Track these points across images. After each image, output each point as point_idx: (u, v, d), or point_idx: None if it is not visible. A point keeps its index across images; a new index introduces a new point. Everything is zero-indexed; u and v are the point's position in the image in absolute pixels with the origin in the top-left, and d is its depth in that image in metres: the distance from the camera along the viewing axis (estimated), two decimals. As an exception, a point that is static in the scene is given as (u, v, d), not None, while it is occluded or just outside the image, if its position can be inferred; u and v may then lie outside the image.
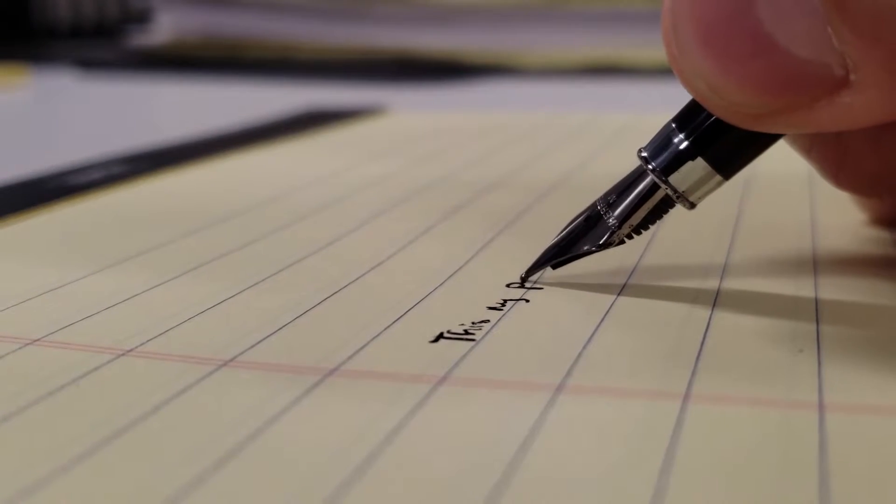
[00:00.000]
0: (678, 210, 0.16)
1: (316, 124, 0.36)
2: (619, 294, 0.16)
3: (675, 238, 0.20)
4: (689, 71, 0.14)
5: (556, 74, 0.56)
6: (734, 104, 0.14)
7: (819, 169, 0.18)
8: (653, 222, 0.16)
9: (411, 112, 0.40)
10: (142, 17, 0.75)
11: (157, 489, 0.10)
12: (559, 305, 0.16)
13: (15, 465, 0.11)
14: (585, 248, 0.16)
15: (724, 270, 0.17)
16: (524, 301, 0.16)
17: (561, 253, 0.17)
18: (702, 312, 0.15)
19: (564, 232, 0.17)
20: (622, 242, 0.16)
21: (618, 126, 0.35)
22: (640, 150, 0.16)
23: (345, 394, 0.13)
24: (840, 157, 0.17)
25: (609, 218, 0.16)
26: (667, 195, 0.16)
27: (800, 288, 0.16)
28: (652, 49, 0.57)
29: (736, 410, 0.12)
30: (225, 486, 0.10)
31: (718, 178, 0.15)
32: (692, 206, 0.16)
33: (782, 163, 0.20)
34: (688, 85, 0.14)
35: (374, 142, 0.33)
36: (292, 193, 0.24)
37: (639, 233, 0.16)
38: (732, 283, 0.17)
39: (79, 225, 0.22)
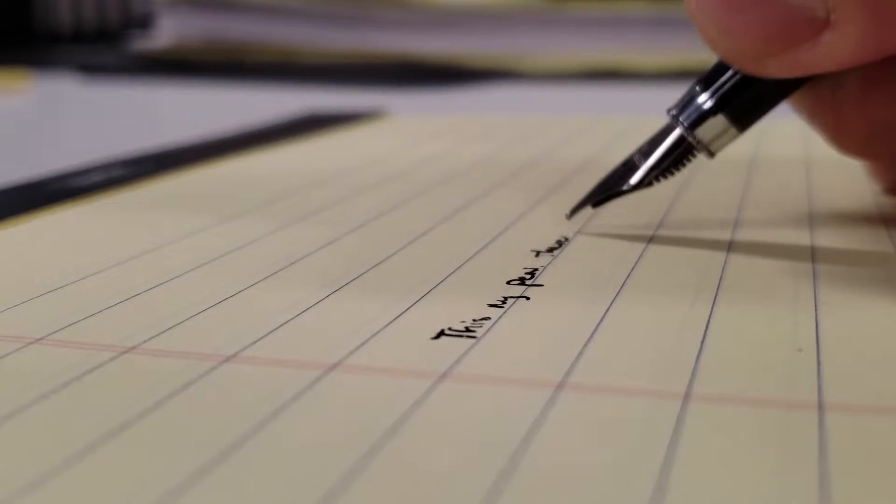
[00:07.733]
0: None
1: (316, 128, 0.36)
2: (619, 293, 0.16)
3: (675, 236, 0.20)
4: (703, 20, 0.17)
5: (557, 79, 0.56)
6: (738, 48, 0.17)
7: (821, 134, 0.20)
8: (678, 169, 0.19)
9: (412, 116, 0.40)
10: (143, 22, 0.75)
11: (160, 483, 0.10)
12: (560, 303, 0.16)
13: (19, 461, 0.11)
14: (622, 188, 0.19)
15: (724, 269, 0.17)
16: (525, 298, 0.16)
17: (602, 192, 0.20)
18: (701, 313, 0.15)
19: (605, 176, 0.20)
20: (650, 185, 0.19)
21: (619, 129, 0.35)
22: (669, 109, 0.19)
23: (346, 389, 0.13)
24: (836, 122, 0.19)
25: (642, 164, 0.19)
26: (691, 145, 0.19)
27: (799, 287, 0.16)
28: (653, 53, 0.57)
29: (736, 410, 0.12)
30: (227, 481, 0.10)
31: (735, 130, 0.18)
32: (712, 155, 0.19)
33: (783, 147, 0.20)
34: (702, 32, 0.17)
35: (374, 144, 0.33)
36: (292, 194, 0.25)
37: (665, 177, 0.19)
38: (731, 282, 0.17)
39: (79, 226, 0.22)
